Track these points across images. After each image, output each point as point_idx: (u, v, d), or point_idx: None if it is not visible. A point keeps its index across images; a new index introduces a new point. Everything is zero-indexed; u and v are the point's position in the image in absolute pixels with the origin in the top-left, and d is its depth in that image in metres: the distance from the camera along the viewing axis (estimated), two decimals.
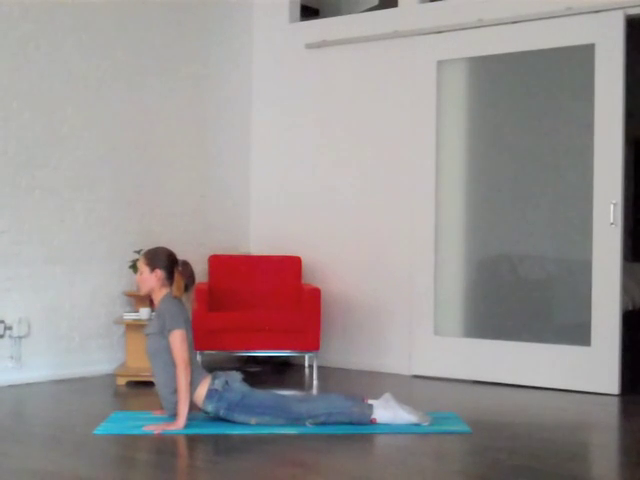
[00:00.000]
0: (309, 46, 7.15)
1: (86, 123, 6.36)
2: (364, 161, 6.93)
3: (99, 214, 6.44)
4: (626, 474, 4.15)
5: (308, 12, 7.98)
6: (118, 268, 6.49)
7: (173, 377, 4.72)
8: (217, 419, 4.77)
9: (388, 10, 6.93)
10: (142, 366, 6.08)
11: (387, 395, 4.84)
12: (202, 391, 4.75)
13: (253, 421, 4.71)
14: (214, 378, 4.79)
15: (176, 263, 4.88)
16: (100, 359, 6.39)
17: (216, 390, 4.74)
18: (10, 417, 5.22)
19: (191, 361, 4.77)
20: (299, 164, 7.23)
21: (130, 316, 6.23)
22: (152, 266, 4.85)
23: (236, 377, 4.84)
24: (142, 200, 6.71)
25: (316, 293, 6.34)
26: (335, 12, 8.01)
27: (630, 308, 6.89)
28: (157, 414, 4.96)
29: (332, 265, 7.03)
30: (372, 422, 4.73)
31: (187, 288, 4.89)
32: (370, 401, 4.82)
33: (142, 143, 6.72)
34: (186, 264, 4.90)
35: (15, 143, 5.96)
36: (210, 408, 4.75)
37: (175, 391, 4.71)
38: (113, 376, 6.14)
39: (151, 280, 4.85)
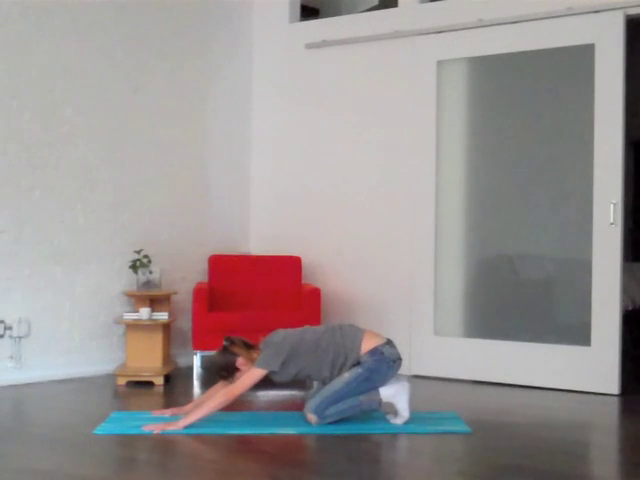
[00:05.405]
0: (309, 46, 7.15)
1: (86, 123, 6.36)
2: (364, 161, 6.92)
3: (99, 214, 6.44)
4: (626, 474, 4.16)
5: (308, 12, 7.98)
6: (118, 268, 6.49)
7: (322, 365, 4.81)
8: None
9: (388, 10, 6.93)
10: (142, 366, 6.10)
11: (404, 382, 4.89)
12: (368, 345, 4.81)
13: (330, 409, 4.76)
14: (388, 344, 4.85)
15: (228, 347, 4.83)
16: (100, 359, 6.39)
17: (382, 353, 4.80)
18: (10, 417, 5.23)
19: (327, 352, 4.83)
20: (299, 164, 7.23)
21: (130, 316, 6.24)
22: (231, 369, 4.80)
23: (395, 371, 4.87)
24: (142, 200, 6.71)
25: (316, 293, 6.34)
26: (335, 12, 8.02)
27: (630, 308, 6.89)
28: (157, 414, 4.97)
29: (332, 265, 7.03)
30: (380, 402, 4.83)
31: (249, 345, 4.86)
32: None
33: (142, 143, 6.72)
34: (228, 339, 4.87)
35: (15, 143, 5.97)
36: (364, 359, 4.78)
37: (328, 370, 4.81)
38: (113, 376, 6.14)
39: (246, 366, 4.80)
